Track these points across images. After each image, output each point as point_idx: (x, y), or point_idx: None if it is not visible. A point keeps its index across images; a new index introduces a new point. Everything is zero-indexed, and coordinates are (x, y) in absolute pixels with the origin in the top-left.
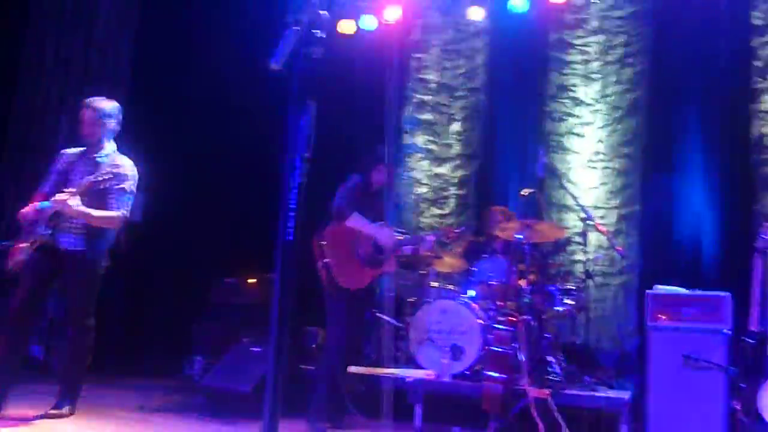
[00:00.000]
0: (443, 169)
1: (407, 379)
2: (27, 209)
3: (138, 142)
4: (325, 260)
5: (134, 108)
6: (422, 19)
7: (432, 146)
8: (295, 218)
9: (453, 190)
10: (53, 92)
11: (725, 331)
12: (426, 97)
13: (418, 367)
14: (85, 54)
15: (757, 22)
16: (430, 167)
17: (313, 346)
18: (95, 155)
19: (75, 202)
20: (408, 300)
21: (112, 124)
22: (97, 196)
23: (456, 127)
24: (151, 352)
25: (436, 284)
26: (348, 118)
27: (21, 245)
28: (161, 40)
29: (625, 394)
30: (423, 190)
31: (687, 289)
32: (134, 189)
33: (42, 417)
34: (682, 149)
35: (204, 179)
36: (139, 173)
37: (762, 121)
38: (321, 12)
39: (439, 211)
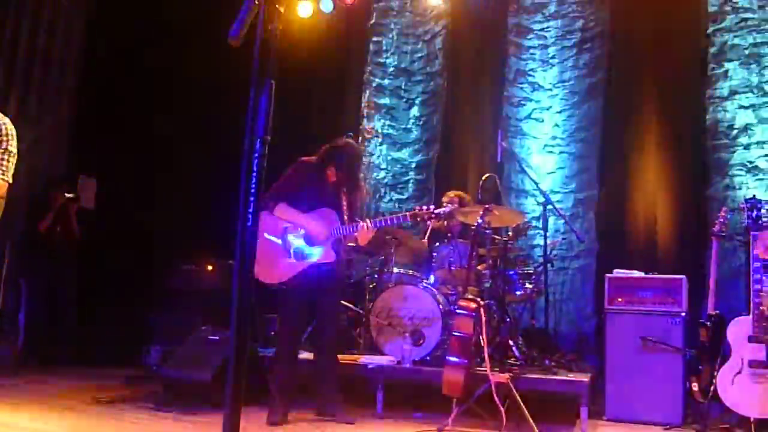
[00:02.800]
0: (402, 154)
1: (368, 366)
2: None
3: (90, 127)
4: None
5: (86, 91)
6: (380, 2)
7: (391, 131)
8: (255, 203)
9: (412, 175)
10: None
11: (681, 313)
12: (384, 81)
13: (380, 353)
14: (33, 35)
15: (712, 8)
16: (389, 152)
17: (272, 333)
18: None
19: None
20: (369, 286)
21: None
22: None
23: (415, 111)
24: (108, 341)
25: (396, 270)
26: (307, 102)
27: None
28: (116, 19)
29: (585, 377)
30: (382, 175)
31: (644, 272)
32: (14, 149)
33: None
34: (638, 134)
35: (160, 163)
36: (91, 159)
37: (716, 106)
38: None
39: (398, 196)
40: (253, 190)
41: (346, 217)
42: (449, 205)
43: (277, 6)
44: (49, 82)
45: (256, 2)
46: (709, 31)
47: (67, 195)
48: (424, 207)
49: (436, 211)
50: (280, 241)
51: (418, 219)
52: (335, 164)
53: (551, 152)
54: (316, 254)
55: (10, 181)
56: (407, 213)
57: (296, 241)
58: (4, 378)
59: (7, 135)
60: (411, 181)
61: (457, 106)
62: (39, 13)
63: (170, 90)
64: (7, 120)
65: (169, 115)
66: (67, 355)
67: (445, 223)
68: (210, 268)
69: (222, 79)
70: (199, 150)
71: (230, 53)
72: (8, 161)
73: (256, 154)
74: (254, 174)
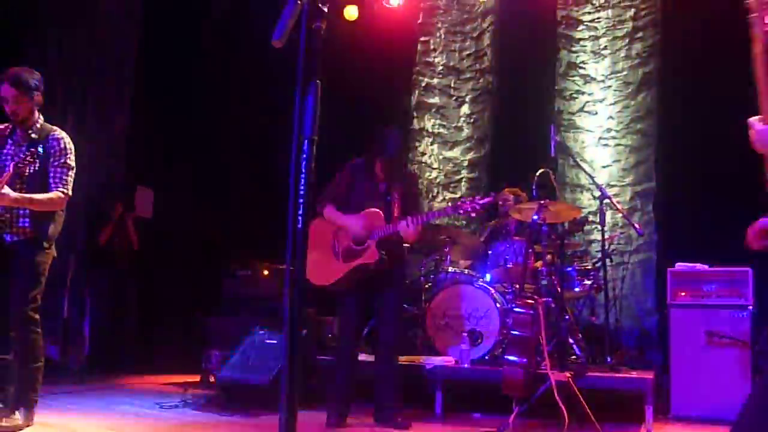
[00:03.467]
0: (454, 153)
1: (426, 366)
2: None
3: (147, 140)
4: None
5: (141, 104)
6: (427, 1)
7: (441, 130)
8: (305, 205)
9: (464, 173)
10: (57, 93)
11: (748, 306)
12: (433, 81)
13: (438, 353)
14: (87, 53)
15: None
16: (440, 151)
17: (330, 336)
18: (27, 133)
19: (7, 191)
20: (425, 286)
21: (39, 96)
22: (36, 179)
23: (465, 109)
24: (168, 347)
25: (452, 269)
26: (355, 105)
27: None
28: (167, 34)
29: (648, 375)
30: (434, 174)
31: (707, 265)
32: (73, 163)
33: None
34: (697, 122)
35: (214, 172)
36: (147, 169)
37: None
38: None
39: (450, 195)
40: (302, 192)
41: (396, 214)
42: (493, 194)
43: (320, 5)
44: (106, 98)
45: (299, 2)
46: None
47: (124, 209)
48: (468, 198)
49: (479, 202)
50: (330, 244)
51: (461, 211)
52: (381, 154)
53: (606, 145)
54: (361, 255)
55: (71, 194)
56: (449, 206)
57: (343, 243)
58: (72, 385)
59: (65, 149)
60: (463, 179)
61: (507, 102)
62: (93, 32)
63: (225, 98)
64: (65, 135)
65: (224, 122)
66: (130, 362)
67: (501, 220)
68: (266, 273)
69: (274, 83)
70: (254, 156)
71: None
72: (68, 175)
73: (304, 155)
74: (302, 175)
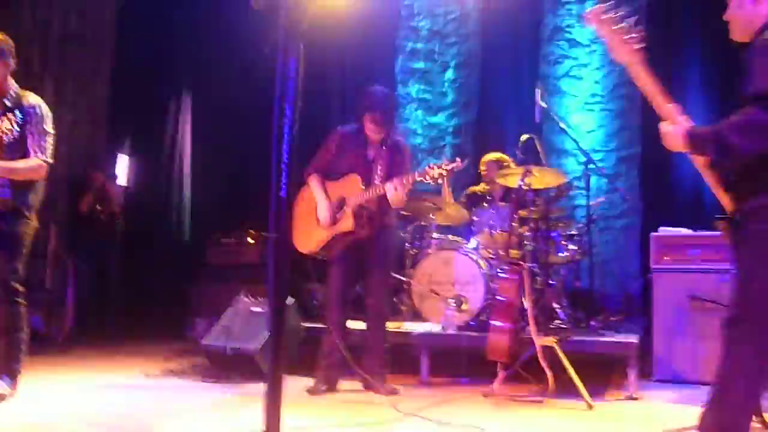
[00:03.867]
0: (438, 119)
1: (412, 333)
2: None
3: (128, 107)
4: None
5: (121, 73)
6: None
7: (426, 95)
8: (288, 171)
9: (449, 140)
10: (33, 59)
11: (731, 270)
12: (418, 45)
13: (423, 319)
14: (64, 16)
15: None
16: (424, 117)
17: (314, 303)
18: (1, 101)
19: None
20: (409, 252)
21: (11, 61)
22: (12, 144)
23: (450, 74)
24: (153, 315)
25: (437, 235)
26: (339, 71)
27: None
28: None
29: (633, 338)
30: (418, 140)
31: (691, 229)
32: (51, 129)
33: None
34: (682, 88)
35: (197, 139)
36: (130, 138)
37: None
38: None
39: (435, 161)
40: (285, 158)
41: (377, 181)
42: (459, 160)
43: None
44: (84, 64)
45: None
46: None
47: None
48: (434, 164)
49: (446, 167)
50: (314, 212)
51: (427, 177)
52: (369, 110)
53: (591, 110)
54: (341, 223)
55: (51, 161)
56: (417, 171)
57: (324, 211)
58: (55, 355)
59: (42, 116)
60: (448, 145)
61: (492, 67)
62: None
63: (204, 63)
64: (41, 100)
65: (205, 89)
66: (114, 331)
67: (486, 186)
68: (251, 240)
69: (256, 48)
70: (236, 122)
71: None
72: (47, 142)
73: (287, 120)
74: (285, 140)
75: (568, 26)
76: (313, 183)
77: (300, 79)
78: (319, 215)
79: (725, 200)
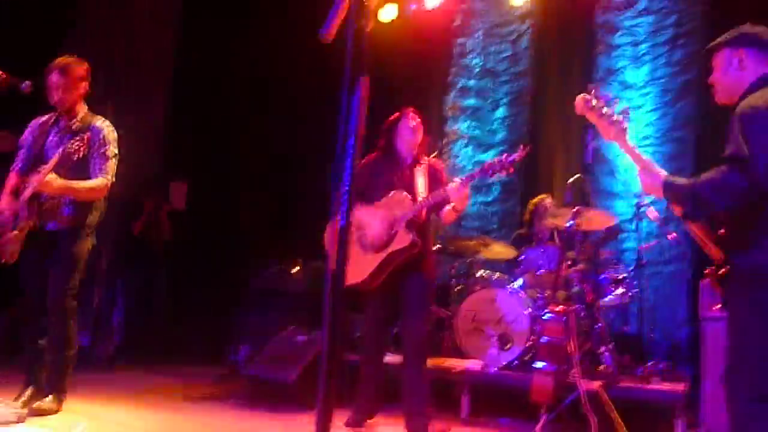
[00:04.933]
0: (488, 156)
1: (454, 370)
2: (4, 198)
3: (184, 133)
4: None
5: (178, 95)
6: (464, 3)
7: (476, 132)
8: (349, 202)
9: (497, 178)
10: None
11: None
12: (470, 83)
13: (466, 357)
14: (126, 45)
15: None
16: (474, 153)
17: (357, 335)
18: (69, 123)
19: (53, 179)
20: (455, 288)
21: (85, 86)
22: (78, 167)
23: (500, 112)
24: (198, 339)
25: (483, 272)
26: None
27: (9, 235)
28: (206, 28)
29: (680, 387)
30: None
31: None
32: (116, 151)
33: (28, 411)
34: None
35: (248, 165)
36: (183, 161)
37: None
38: None
39: (483, 198)
40: (346, 189)
41: (422, 194)
42: (521, 149)
43: (366, 2)
44: (144, 89)
45: (347, 1)
46: None
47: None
48: (495, 159)
49: (508, 159)
50: (355, 239)
51: (490, 172)
52: (398, 130)
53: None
54: (391, 241)
55: (113, 181)
56: (478, 169)
57: (370, 235)
58: (100, 374)
59: (107, 139)
60: (496, 183)
61: (544, 106)
62: (132, 24)
63: (264, 90)
64: (108, 124)
65: (263, 115)
66: (159, 353)
67: (534, 227)
68: (296, 269)
69: (315, 77)
70: (291, 150)
71: (323, 51)
72: (109, 164)
73: (350, 153)
74: (347, 173)
75: (621, 68)
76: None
77: (364, 112)
78: (367, 239)
79: (711, 250)
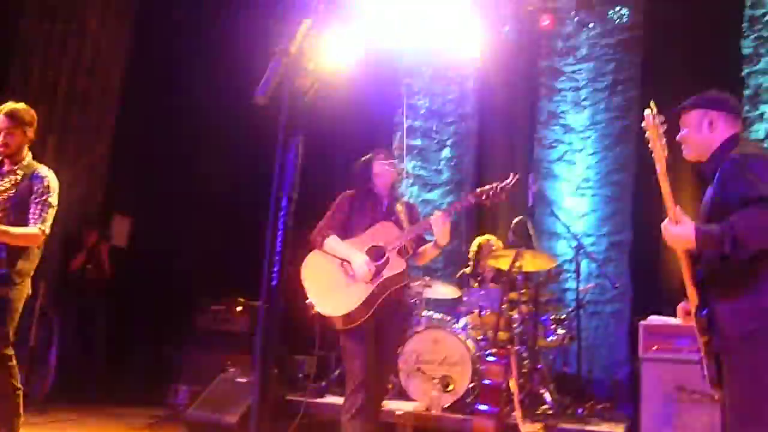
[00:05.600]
0: (433, 195)
1: (397, 412)
2: None
3: (126, 168)
4: (306, 300)
5: (122, 132)
6: (413, 44)
7: (421, 172)
8: (281, 261)
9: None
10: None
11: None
12: (416, 123)
13: (408, 398)
14: (71, 79)
15: (746, 51)
16: (419, 193)
17: (301, 375)
18: (13, 167)
19: None
20: None
21: (30, 132)
22: (16, 212)
23: (446, 153)
24: (136, 379)
25: (425, 313)
26: (337, 145)
27: None
28: (152, 66)
29: (619, 428)
30: None
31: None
32: (55, 201)
33: None
34: (673, 176)
35: (190, 204)
36: (126, 198)
37: None
38: (312, 41)
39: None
40: (278, 249)
41: (406, 226)
42: (512, 176)
43: (304, 63)
44: (87, 123)
45: (284, 60)
46: (744, 73)
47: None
48: (488, 186)
49: (503, 186)
50: (339, 271)
51: (483, 197)
52: (377, 155)
53: (584, 195)
54: (383, 267)
55: (48, 232)
56: (469, 194)
57: (362, 263)
58: (33, 415)
59: (49, 188)
60: None
61: (488, 147)
62: (80, 55)
63: (204, 131)
64: (50, 173)
65: (203, 156)
66: (96, 393)
67: (478, 266)
68: (239, 309)
69: (255, 121)
70: (232, 190)
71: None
72: (48, 213)
73: (283, 212)
74: (280, 232)
75: (563, 112)
76: (334, 242)
77: (297, 171)
78: (356, 269)
79: (692, 294)
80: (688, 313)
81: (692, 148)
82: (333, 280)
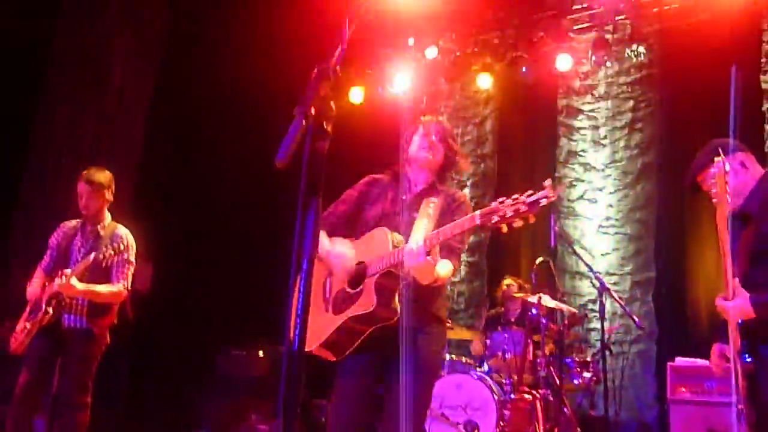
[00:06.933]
0: None
1: None
2: (30, 290)
3: (147, 212)
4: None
5: (145, 179)
6: (430, 87)
7: None
8: (302, 325)
9: (464, 257)
10: (65, 162)
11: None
12: None
13: None
14: (97, 125)
15: (765, 86)
16: None
17: (323, 419)
18: (95, 227)
19: (76, 282)
20: None
21: (108, 194)
22: (99, 269)
23: (466, 193)
24: (158, 424)
25: (448, 357)
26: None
27: (25, 326)
28: (175, 116)
29: None
30: None
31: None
32: (134, 259)
33: None
34: (694, 212)
35: (212, 249)
36: (147, 243)
37: None
38: (330, 104)
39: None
40: (299, 312)
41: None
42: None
43: (324, 124)
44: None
45: (304, 122)
46: (764, 108)
47: None
48: (506, 199)
49: (527, 200)
50: (320, 290)
51: (496, 221)
52: (402, 153)
53: (606, 233)
54: (354, 300)
55: (129, 289)
56: (476, 214)
57: (336, 285)
58: None
59: (128, 246)
60: (463, 263)
61: (508, 188)
62: (103, 109)
63: (227, 177)
64: (128, 232)
65: (225, 200)
66: None
67: (502, 309)
68: (261, 354)
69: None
70: (257, 234)
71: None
72: (128, 270)
73: (303, 275)
74: (302, 295)
75: (582, 150)
76: (322, 241)
77: (317, 233)
78: (330, 288)
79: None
80: (724, 358)
81: (736, 196)
82: (316, 297)
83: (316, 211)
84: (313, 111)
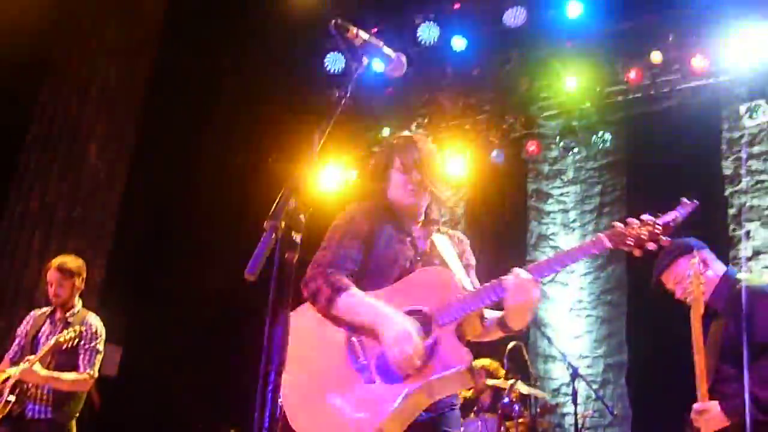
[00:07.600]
0: None
1: None
2: None
3: (117, 296)
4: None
5: (115, 262)
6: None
7: None
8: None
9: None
10: (33, 243)
11: None
12: None
13: None
14: (69, 206)
15: (727, 171)
16: None
17: None
18: (64, 315)
19: (39, 368)
20: None
21: (79, 282)
22: (65, 356)
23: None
24: None
25: None
26: None
27: None
28: (148, 202)
29: None
30: None
31: None
32: (102, 348)
33: None
34: (665, 296)
35: (183, 335)
36: (117, 327)
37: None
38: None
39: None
40: (266, 425)
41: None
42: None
43: (293, 236)
44: (84, 251)
45: (274, 236)
46: (727, 193)
47: None
48: (633, 221)
49: (660, 221)
50: (341, 357)
51: (629, 243)
52: (404, 164)
53: (578, 316)
54: (434, 361)
55: (96, 377)
56: (602, 235)
57: (375, 349)
58: None
59: (97, 334)
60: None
61: (478, 271)
62: (79, 185)
63: (199, 262)
64: (98, 321)
65: (196, 284)
66: None
67: (474, 395)
68: None
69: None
70: (226, 321)
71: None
72: (96, 359)
73: (270, 387)
74: (268, 407)
75: (553, 234)
76: (355, 299)
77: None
78: (393, 353)
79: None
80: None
81: (709, 293)
82: (327, 371)
83: (284, 324)
84: (282, 224)
